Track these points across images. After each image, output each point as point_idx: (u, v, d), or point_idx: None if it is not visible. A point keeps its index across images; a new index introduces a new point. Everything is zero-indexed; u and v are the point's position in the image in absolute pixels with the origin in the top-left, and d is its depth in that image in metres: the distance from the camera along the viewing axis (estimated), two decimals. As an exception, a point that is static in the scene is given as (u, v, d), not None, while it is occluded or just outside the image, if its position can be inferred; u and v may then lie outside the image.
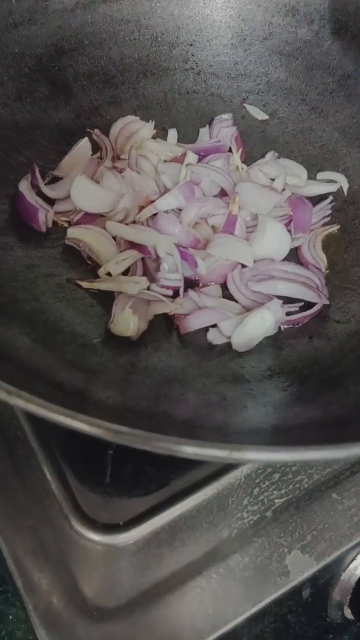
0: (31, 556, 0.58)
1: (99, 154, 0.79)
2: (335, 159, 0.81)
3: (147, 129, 0.81)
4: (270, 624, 0.61)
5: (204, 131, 0.83)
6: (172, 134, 0.82)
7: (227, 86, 0.87)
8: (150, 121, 0.82)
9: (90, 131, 0.80)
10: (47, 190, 0.72)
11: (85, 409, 0.47)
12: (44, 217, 0.69)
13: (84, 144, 0.77)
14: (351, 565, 0.63)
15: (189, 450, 0.36)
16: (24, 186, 0.70)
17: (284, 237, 0.70)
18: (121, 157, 0.78)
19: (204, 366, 0.61)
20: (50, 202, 0.72)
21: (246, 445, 0.36)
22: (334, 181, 0.78)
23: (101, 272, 0.66)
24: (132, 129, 0.81)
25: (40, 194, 0.71)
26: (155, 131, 0.82)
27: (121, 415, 0.50)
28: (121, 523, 0.60)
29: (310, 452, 0.37)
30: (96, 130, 0.80)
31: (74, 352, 0.58)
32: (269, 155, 0.80)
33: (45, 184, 0.73)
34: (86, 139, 0.78)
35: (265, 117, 0.85)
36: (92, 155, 0.78)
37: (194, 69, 0.87)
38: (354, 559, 0.62)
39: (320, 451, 0.37)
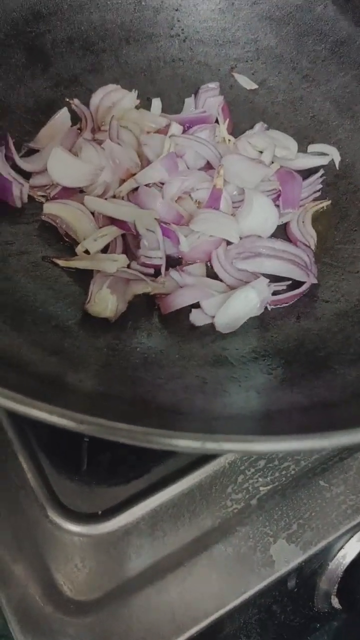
0: (4, 547, 0.56)
1: (78, 125, 0.75)
2: (327, 130, 0.77)
3: (130, 98, 0.77)
4: (254, 615, 0.59)
5: (189, 101, 0.79)
6: (156, 104, 0.78)
7: (215, 54, 0.83)
8: (133, 90, 0.77)
9: (69, 101, 0.76)
10: (23, 163, 0.68)
11: (55, 396, 0.45)
12: (19, 191, 0.66)
13: (62, 115, 0.73)
14: (339, 554, 0.60)
15: (160, 440, 0.33)
16: (-3, 159, 0.66)
17: (271, 212, 0.66)
18: (102, 128, 0.74)
19: (185, 348, 0.57)
20: (26, 175, 0.68)
21: (220, 435, 0.33)
22: (325, 154, 0.74)
23: (79, 249, 0.63)
24: (114, 99, 0.77)
25: (15, 167, 0.68)
26: (138, 101, 0.78)
27: (95, 402, 0.47)
28: (99, 512, 0.57)
29: (289, 442, 0.34)
30: (75, 100, 0.76)
31: (46, 334, 0.55)
32: (257, 126, 0.76)
33: (20, 157, 0.69)
34: (65, 109, 0.74)
35: (254, 86, 0.81)
36: (71, 126, 0.74)
37: (179, 35, 0.83)
38: (341, 547, 0.60)
39: (300, 441, 0.34)
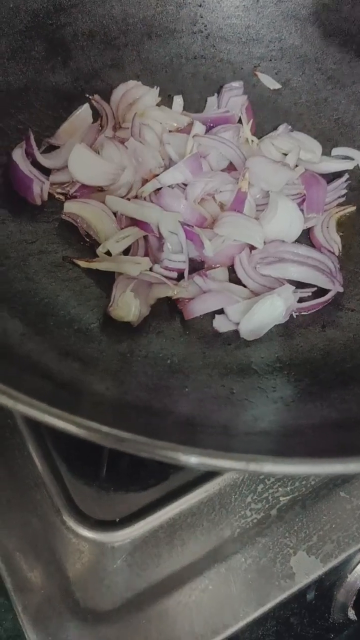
0: (21, 554, 0.55)
1: (99, 121, 0.73)
2: (351, 133, 0.76)
3: (151, 95, 0.75)
4: (272, 627, 0.58)
5: (212, 100, 0.77)
6: (178, 101, 0.76)
7: (238, 52, 0.81)
8: (155, 87, 0.76)
9: (90, 96, 0.74)
10: (43, 160, 0.66)
11: (79, 405, 0.43)
12: (39, 189, 0.64)
13: (84, 111, 0.72)
14: (358, 567, 0.60)
15: (199, 460, 0.32)
16: (18, 155, 0.65)
17: (296, 217, 0.65)
18: (123, 125, 0.73)
19: (209, 355, 0.56)
20: (46, 172, 0.67)
21: (264, 457, 0.32)
22: (350, 158, 0.73)
23: (100, 250, 0.61)
24: (135, 95, 0.75)
25: (35, 163, 0.66)
26: (159, 98, 0.76)
27: (120, 412, 0.46)
28: (117, 520, 0.56)
29: (333, 465, 0.33)
30: (96, 96, 0.74)
31: (68, 338, 0.54)
32: (281, 127, 0.75)
33: (40, 153, 0.67)
34: (87, 105, 0.72)
35: (278, 86, 0.79)
36: (92, 123, 0.72)
37: (202, 31, 0.81)
38: (360, 560, 0.59)
39: (344, 464, 0.33)
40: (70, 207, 0.63)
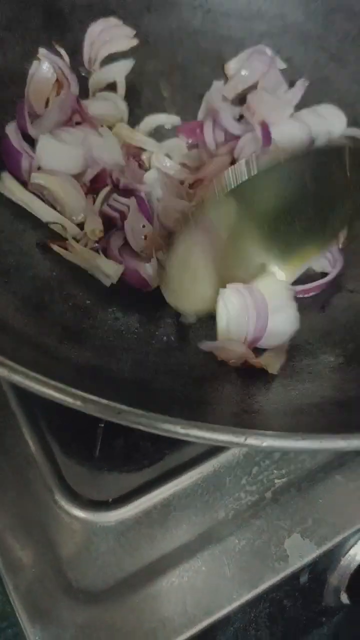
0: (12, 532, 0.54)
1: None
2: (353, 114, 0.74)
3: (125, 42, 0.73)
4: (265, 609, 0.58)
5: (217, 84, 0.75)
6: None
7: (239, 27, 0.79)
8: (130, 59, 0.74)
9: (54, 42, 0.70)
10: (31, 129, 0.63)
11: (77, 379, 0.43)
12: (28, 164, 0.62)
13: (43, 69, 0.67)
14: (351, 551, 0.59)
15: (197, 433, 0.31)
16: (11, 129, 0.62)
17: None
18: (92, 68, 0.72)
19: (209, 336, 0.55)
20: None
21: (263, 432, 0.31)
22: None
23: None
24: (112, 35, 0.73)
25: (26, 139, 0.64)
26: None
27: (118, 387, 0.45)
28: (110, 500, 0.56)
29: (336, 441, 0.32)
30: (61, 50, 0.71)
31: (64, 314, 0.53)
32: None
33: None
34: (46, 62, 0.68)
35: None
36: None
37: (203, 6, 0.79)
38: (354, 544, 0.59)
39: (347, 440, 0.32)
40: (37, 177, 0.60)
